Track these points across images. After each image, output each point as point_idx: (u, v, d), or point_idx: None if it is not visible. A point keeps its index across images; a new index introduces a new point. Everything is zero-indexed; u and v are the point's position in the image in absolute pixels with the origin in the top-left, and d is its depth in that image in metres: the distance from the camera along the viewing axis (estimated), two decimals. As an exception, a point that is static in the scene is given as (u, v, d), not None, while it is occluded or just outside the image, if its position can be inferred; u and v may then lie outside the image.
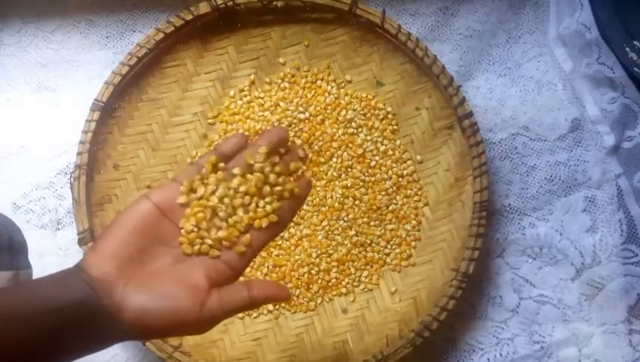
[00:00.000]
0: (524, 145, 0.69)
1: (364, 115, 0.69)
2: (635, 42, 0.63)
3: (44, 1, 0.71)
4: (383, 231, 0.67)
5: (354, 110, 0.69)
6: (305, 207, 0.68)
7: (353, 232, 0.67)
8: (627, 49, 0.64)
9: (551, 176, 0.69)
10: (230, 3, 0.67)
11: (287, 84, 0.69)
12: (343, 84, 0.69)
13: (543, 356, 0.67)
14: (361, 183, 0.68)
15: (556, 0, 0.69)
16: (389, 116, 0.69)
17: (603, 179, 0.69)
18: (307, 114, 0.69)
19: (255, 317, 0.67)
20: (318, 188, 0.68)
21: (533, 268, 0.68)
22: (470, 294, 0.67)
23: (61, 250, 0.68)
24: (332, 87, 0.69)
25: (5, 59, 0.71)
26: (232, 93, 0.69)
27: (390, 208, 0.68)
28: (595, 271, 0.68)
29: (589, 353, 0.67)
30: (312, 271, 0.67)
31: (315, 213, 0.68)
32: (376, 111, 0.69)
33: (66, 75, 0.71)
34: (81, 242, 0.64)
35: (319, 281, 0.67)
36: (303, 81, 0.69)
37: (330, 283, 0.67)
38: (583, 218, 0.69)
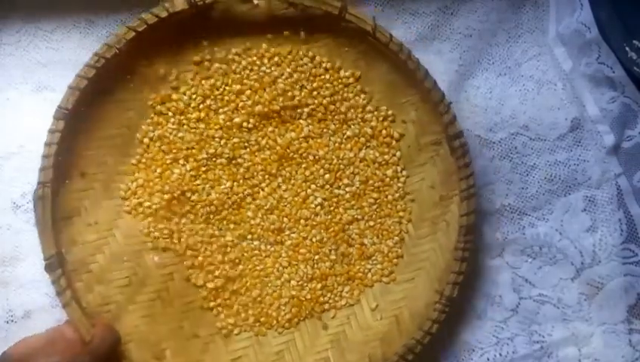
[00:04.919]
0: (524, 145, 0.69)
1: (349, 126, 0.66)
2: (634, 41, 0.63)
3: (44, 1, 0.71)
4: (364, 246, 0.66)
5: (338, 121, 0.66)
6: (286, 222, 0.66)
7: (335, 247, 0.66)
8: (627, 48, 0.64)
9: (551, 176, 0.69)
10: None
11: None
12: None
13: (543, 355, 0.67)
14: (344, 197, 0.66)
15: (556, -1, 0.70)
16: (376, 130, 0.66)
17: (603, 179, 0.68)
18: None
19: (237, 334, 0.65)
20: (297, 202, 0.66)
21: (532, 268, 0.68)
22: (470, 294, 0.67)
23: (61, 249, 0.69)
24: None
25: (5, 59, 0.71)
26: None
27: (372, 223, 0.66)
28: (594, 271, 0.68)
29: (589, 352, 0.67)
30: (294, 286, 0.66)
31: (296, 228, 0.66)
32: (363, 124, 0.66)
33: (66, 75, 0.71)
34: (49, 268, 0.59)
35: (301, 297, 0.66)
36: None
37: (312, 299, 0.66)
38: (583, 217, 0.68)
